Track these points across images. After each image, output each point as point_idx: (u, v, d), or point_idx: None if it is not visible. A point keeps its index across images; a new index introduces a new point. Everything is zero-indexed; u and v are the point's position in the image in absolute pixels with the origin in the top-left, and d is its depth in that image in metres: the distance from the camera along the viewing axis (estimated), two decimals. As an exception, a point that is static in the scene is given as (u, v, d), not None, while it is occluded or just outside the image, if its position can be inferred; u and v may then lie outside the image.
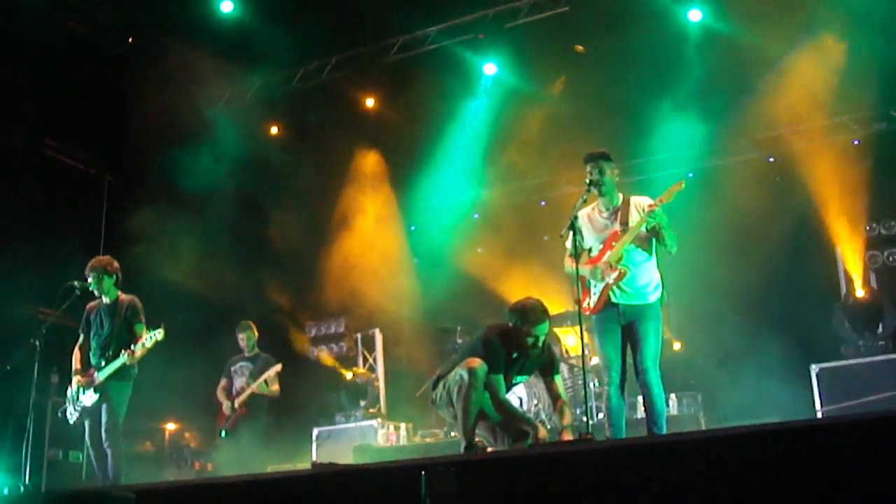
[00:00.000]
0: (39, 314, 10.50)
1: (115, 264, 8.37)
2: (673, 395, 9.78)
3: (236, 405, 10.26)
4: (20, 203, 10.74)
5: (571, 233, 6.75)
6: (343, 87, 13.09)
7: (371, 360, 13.61)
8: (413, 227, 14.26)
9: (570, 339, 11.23)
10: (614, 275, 6.66)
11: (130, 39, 12.16)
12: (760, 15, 10.62)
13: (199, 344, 11.29)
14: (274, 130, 14.02)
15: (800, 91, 11.46)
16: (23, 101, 10.71)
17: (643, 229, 6.67)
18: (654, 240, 6.76)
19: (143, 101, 11.77)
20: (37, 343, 7.86)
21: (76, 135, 12.13)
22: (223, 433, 10.28)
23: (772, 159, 12.58)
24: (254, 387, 10.20)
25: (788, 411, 9.45)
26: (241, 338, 10.61)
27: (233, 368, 10.59)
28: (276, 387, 10.41)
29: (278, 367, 10.38)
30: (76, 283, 8.18)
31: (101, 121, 11.91)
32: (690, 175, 12.60)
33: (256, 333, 10.67)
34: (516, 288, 12.77)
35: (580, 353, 10.29)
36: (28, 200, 10.91)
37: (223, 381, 10.58)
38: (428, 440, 10.86)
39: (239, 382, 10.42)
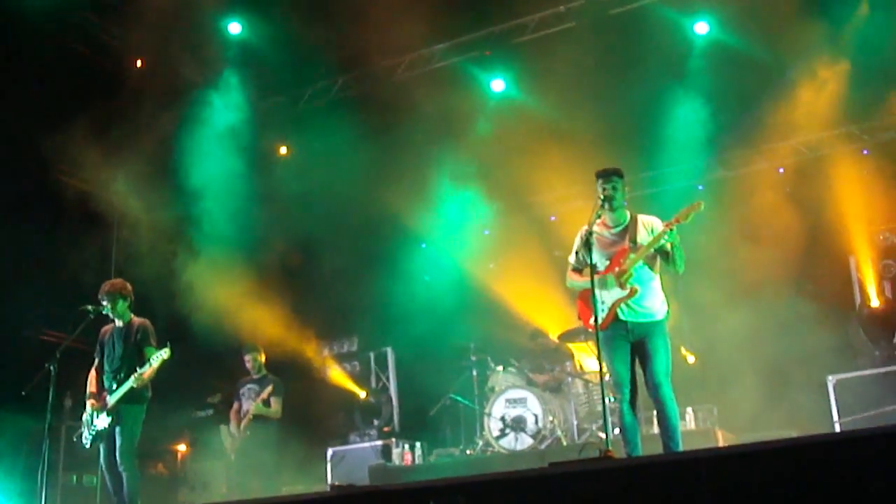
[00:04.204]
0: (51, 338, 10.50)
1: (129, 287, 8.37)
2: (689, 409, 9.72)
3: (241, 428, 10.30)
4: (28, 227, 10.72)
5: (582, 248, 6.77)
6: (351, 106, 13.08)
7: (384, 379, 13.58)
8: (423, 245, 14.23)
9: (582, 355, 11.19)
10: (625, 292, 6.65)
11: (140, 63, 12.15)
12: (766, 29, 10.60)
13: (211, 365, 11.26)
14: (283, 150, 14.03)
15: (807, 101, 11.44)
16: (33, 126, 10.71)
17: (655, 249, 6.67)
18: (659, 259, 6.77)
19: (151, 123, 11.77)
20: (51, 368, 7.86)
21: (84, 158, 12.10)
22: (232, 456, 10.36)
23: (782, 170, 12.54)
24: (251, 408, 10.24)
25: (805, 423, 9.42)
26: (248, 359, 10.66)
27: (241, 391, 10.61)
28: (276, 407, 10.36)
29: (270, 388, 10.33)
30: (90, 306, 8.19)
31: (110, 144, 11.90)
32: (700, 187, 12.61)
33: (263, 356, 10.70)
34: (529, 303, 12.77)
35: (594, 368, 10.33)
36: (36, 224, 10.89)
37: (235, 405, 10.62)
38: (443, 459, 10.80)
39: (246, 405, 10.44)
